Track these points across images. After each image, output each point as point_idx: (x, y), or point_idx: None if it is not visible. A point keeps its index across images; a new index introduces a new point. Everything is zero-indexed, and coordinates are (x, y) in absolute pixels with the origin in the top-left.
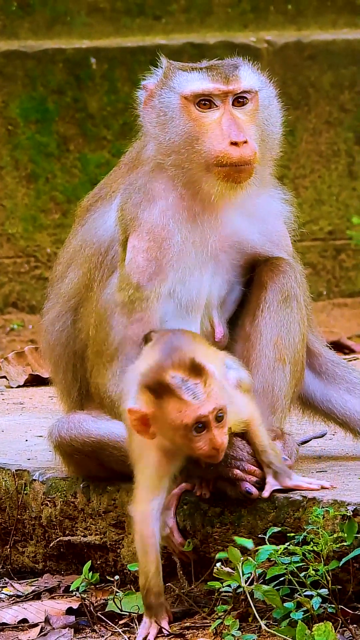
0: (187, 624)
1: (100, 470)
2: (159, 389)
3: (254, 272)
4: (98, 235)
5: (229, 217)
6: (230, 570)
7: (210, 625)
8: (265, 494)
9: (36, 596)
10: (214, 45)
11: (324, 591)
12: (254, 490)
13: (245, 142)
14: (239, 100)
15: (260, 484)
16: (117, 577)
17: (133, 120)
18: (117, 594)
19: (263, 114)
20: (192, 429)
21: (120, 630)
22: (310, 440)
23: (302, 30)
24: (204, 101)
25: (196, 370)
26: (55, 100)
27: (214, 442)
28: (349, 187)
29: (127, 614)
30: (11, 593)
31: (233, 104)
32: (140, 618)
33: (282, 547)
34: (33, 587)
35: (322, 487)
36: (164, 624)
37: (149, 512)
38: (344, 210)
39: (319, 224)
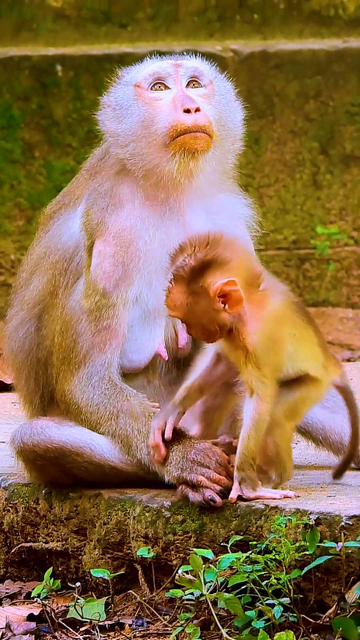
0: (149, 632)
1: (62, 476)
2: None
3: None
4: (62, 242)
5: (193, 215)
6: (192, 577)
7: (172, 633)
8: (232, 496)
9: None
10: (180, 54)
11: (285, 600)
12: (217, 499)
13: (198, 109)
14: (194, 83)
15: (224, 493)
16: (78, 583)
17: (98, 128)
18: (78, 600)
19: (219, 101)
20: None
21: (81, 637)
22: None
23: (267, 39)
24: (157, 84)
25: None
26: (21, 106)
27: None
28: (314, 197)
29: (88, 620)
30: None
31: (187, 86)
32: (101, 627)
33: (244, 555)
34: None
35: (286, 497)
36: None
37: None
38: (308, 219)
39: (283, 233)
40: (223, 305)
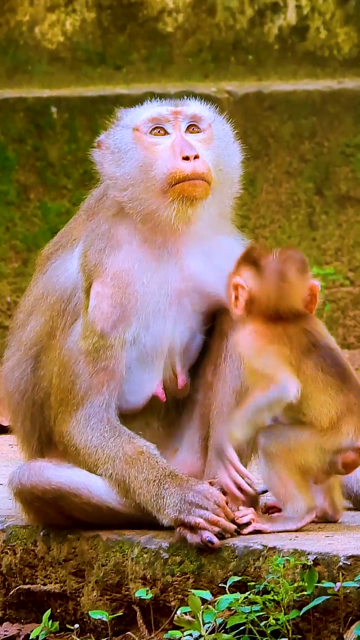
0: None
1: (60, 518)
2: None
3: (215, 321)
4: (60, 283)
5: (190, 258)
6: (190, 618)
7: None
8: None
9: None
10: (174, 95)
11: None
12: (215, 541)
13: (197, 156)
14: (193, 128)
15: (223, 535)
16: (77, 625)
17: (93, 169)
18: None
19: (218, 145)
20: None
21: None
22: None
23: (262, 80)
24: (156, 129)
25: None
26: (16, 148)
27: None
28: (309, 238)
29: None
30: None
31: (186, 131)
32: None
33: (243, 596)
34: None
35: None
36: None
37: None
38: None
39: None
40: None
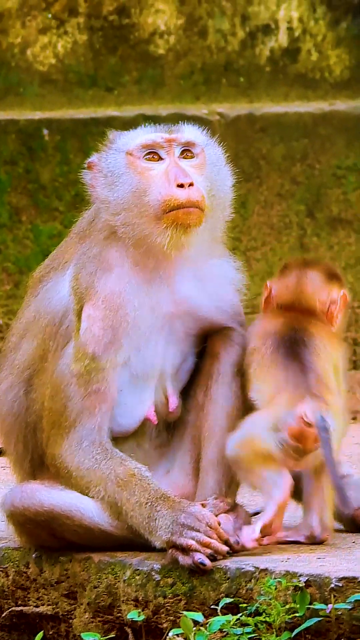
0: None
1: (52, 540)
2: None
3: (206, 343)
4: (52, 306)
5: (182, 282)
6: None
7: None
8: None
9: None
10: (166, 117)
11: None
12: (207, 562)
13: (191, 184)
14: (186, 153)
15: (214, 557)
16: None
17: (85, 191)
18: None
19: (211, 170)
20: None
21: None
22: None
23: (254, 102)
24: (150, 154)
25: None
26: (8, 171)
27: None
28: None
29: None
30: None
31: (180, 157)
32: None
33: (235, 617)
34: None
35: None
36: None
37: None
38: None
39: None
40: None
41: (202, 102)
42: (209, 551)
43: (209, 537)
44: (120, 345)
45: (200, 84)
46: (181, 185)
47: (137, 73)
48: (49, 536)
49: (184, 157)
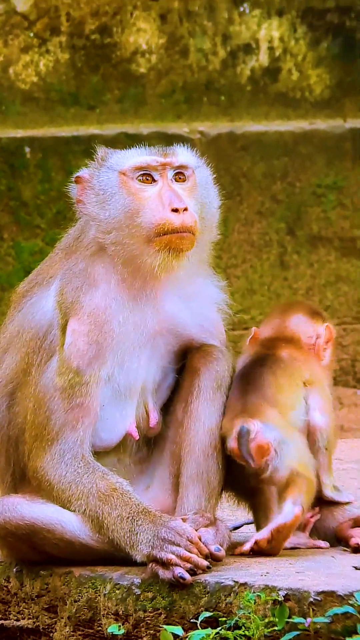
0: None
1: (33, 553)
2: None
3: (186, 359)
4: (36, 320)
5: (167, 300)
6: None
7: None
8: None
9: None
10: (147, 136)
11: None
12: (187, 577)
13: (186, 209)
14: (179, 176)
15: (194, 571)
16: None
17: (67, 208)
18: None
19: (201, 193)
20: None
21: None
22: (242, 526)
23: (235, 121)
24: (144, 176)
25: None
26: None
27: None
28: (281, 277)
29: None
30: None
31: (172, 179)
32: None
33: (214, 631)
34: None
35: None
36: None
37: None
38: (275, 299)
39: (250, 313)
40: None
41: (184, 120)
42: (189, 565)
43: (190, 551)
44: (104, 360)
45: (181, 102)
46: (176, 210)
47: (119, 92)
48: (30, 549)
49: (177, 180)
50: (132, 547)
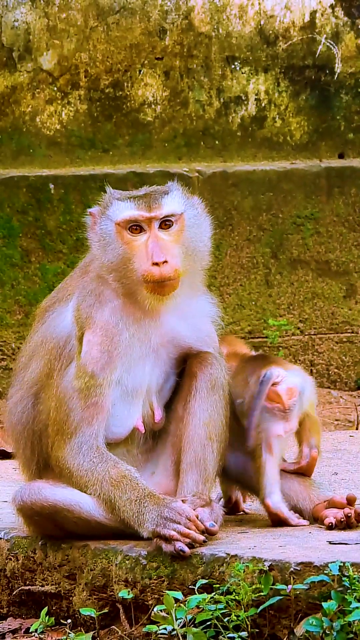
0: None
1: (56, 530)
2: None
3: (186, 364)
4: (57, 332)
5: (167, 319)
6: (165, 615)
7: None
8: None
9: (1, 636)
10: (153, 174)
11: (244, 634)
12: (186, 550)
13: (165, 262)
14: (165, 223)
15: (192, 545)
16: (69, 620)
17: (84, 236)
18: (69, 635)
19: (189, 233)
20: None
21: None
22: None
23: (227, 162)
24: (134, 226)
25: None
26: (19, 219)
27: None
28: (266, 294)
29: None
30: None
31: (160, 227)
32: None
33: (209, 596)
34: None
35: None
36: None
37: None
38: (261, 313)
39: (240, 325)
40: None
41: (184, 161)
42: (188, 540)
43: (189, 528)
44: (114, 366)
45: (182, 146)
46: (156, 264)
47: (129, 137)
48: (53, 527)
49: (163, 227)
50: (139, 525)
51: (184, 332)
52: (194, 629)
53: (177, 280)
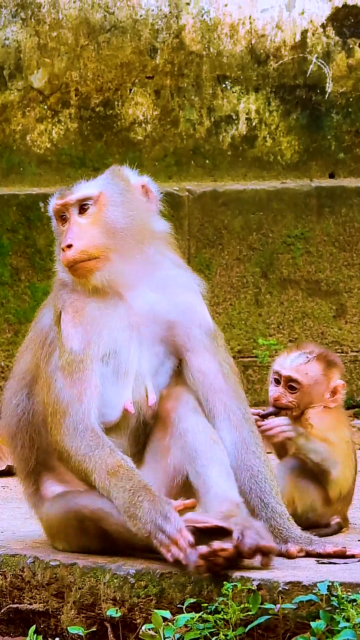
0: None
1: (94, 541)
2: None
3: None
4: (41, 325)
5: (138, 297)
6: (153, 634)
7: None
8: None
9: None
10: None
11: None
12: (177, 555)
13: (70, 245)
14: (83, 207)
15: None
16: (57, 639)
17: None
18: None
19: (112, 210)
20: None
21: None
22: None
23: (217, 181)
24: (61, 216)
25: None
26: (9, 237)
27: None
28: (255, 314)
29: None
30: None
31: (80, 213)
32: None
33: (197, 615)
34: None
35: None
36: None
37: None
38: (251, 332)
39: (230, 344)
40: (329, 396)
41: (174, 180)
42: (176, 549)
43: (177, 539)
44: (90, 340)
45: (172, 165)
46: (63, 249)
47: (120, 156)
48: (93, 536)
49: (80, 213)
50: (131, 519)
51: (163, 307)
52: None
53: (91, 261)
